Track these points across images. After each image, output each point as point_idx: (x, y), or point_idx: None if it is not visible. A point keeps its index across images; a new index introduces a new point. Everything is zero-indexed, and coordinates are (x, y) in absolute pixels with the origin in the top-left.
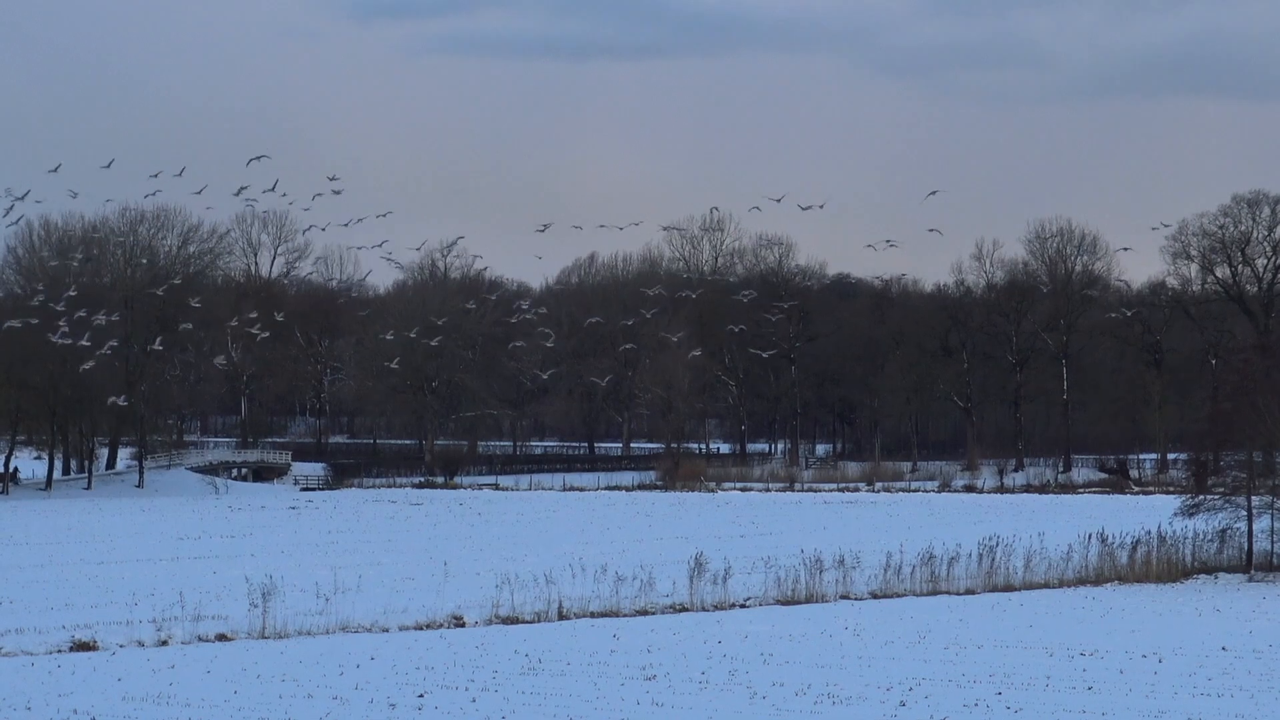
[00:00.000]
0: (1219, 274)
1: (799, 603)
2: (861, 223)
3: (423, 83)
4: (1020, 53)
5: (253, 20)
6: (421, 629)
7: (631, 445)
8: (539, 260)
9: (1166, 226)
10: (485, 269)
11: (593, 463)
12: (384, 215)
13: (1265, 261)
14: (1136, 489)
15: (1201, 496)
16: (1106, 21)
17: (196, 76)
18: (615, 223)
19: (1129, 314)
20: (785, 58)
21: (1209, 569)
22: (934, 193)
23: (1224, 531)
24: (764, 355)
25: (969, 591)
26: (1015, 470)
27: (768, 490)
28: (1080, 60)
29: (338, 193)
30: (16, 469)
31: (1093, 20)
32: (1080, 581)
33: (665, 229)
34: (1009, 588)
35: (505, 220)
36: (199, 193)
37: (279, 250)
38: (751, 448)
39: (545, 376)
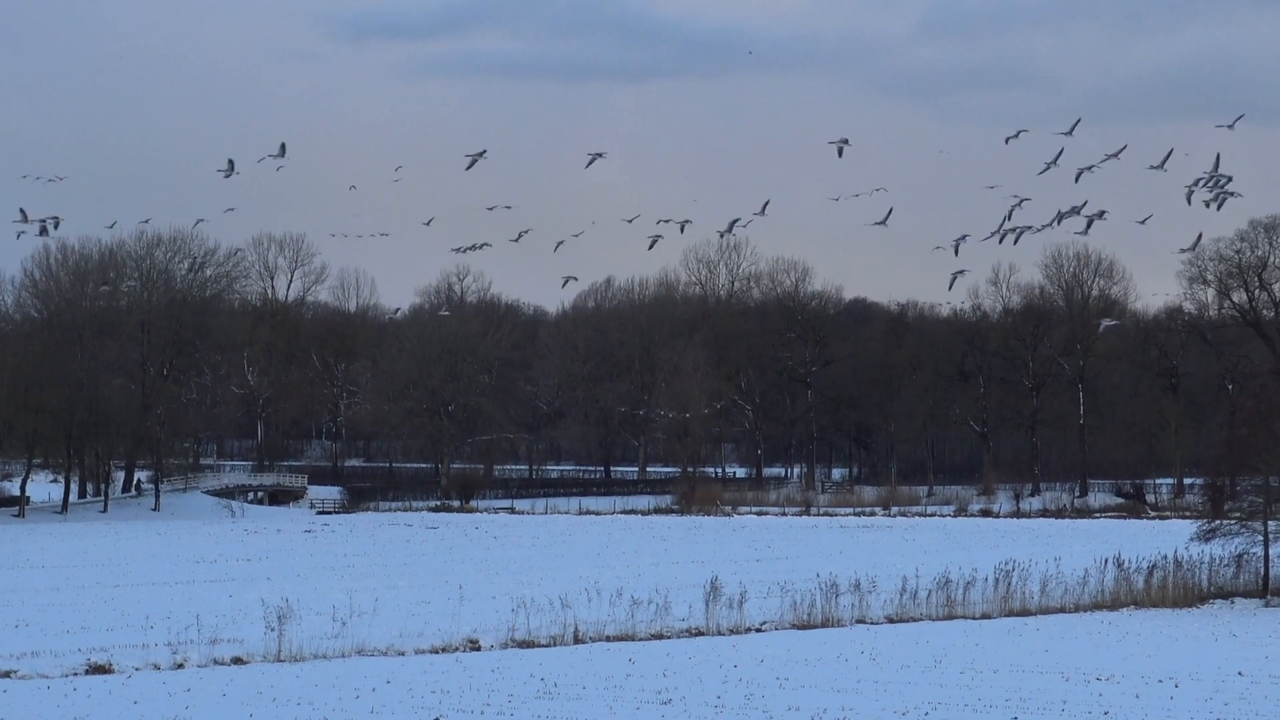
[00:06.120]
0: (1235, 299)
1: (815, 627)
2: (869, 244)
3: (419, 104)
4: (1023, 75)
5: (246, 41)
6: (437, 653)
7: (647, 469)
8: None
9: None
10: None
11: (608, 486)
12: (383, 235)
13: None
14: (1153, 514)
15: (1218, 521)
16: (1108, 43)
17: (190, 99)
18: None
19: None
20: (787, 79)
21: (1225, 594)
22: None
23: (1240, 556)
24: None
25: (985, 616)
26: (1031, 495)
27: (784, 514)
28: (1084, 82)
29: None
30: (29, 497)
31: (1094, 42)
32: (1096, 606)
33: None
34: (1025, 612)
35: (508, 244)
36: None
37: (295, 273)
38: (767, 472)
39: (546, 409)
